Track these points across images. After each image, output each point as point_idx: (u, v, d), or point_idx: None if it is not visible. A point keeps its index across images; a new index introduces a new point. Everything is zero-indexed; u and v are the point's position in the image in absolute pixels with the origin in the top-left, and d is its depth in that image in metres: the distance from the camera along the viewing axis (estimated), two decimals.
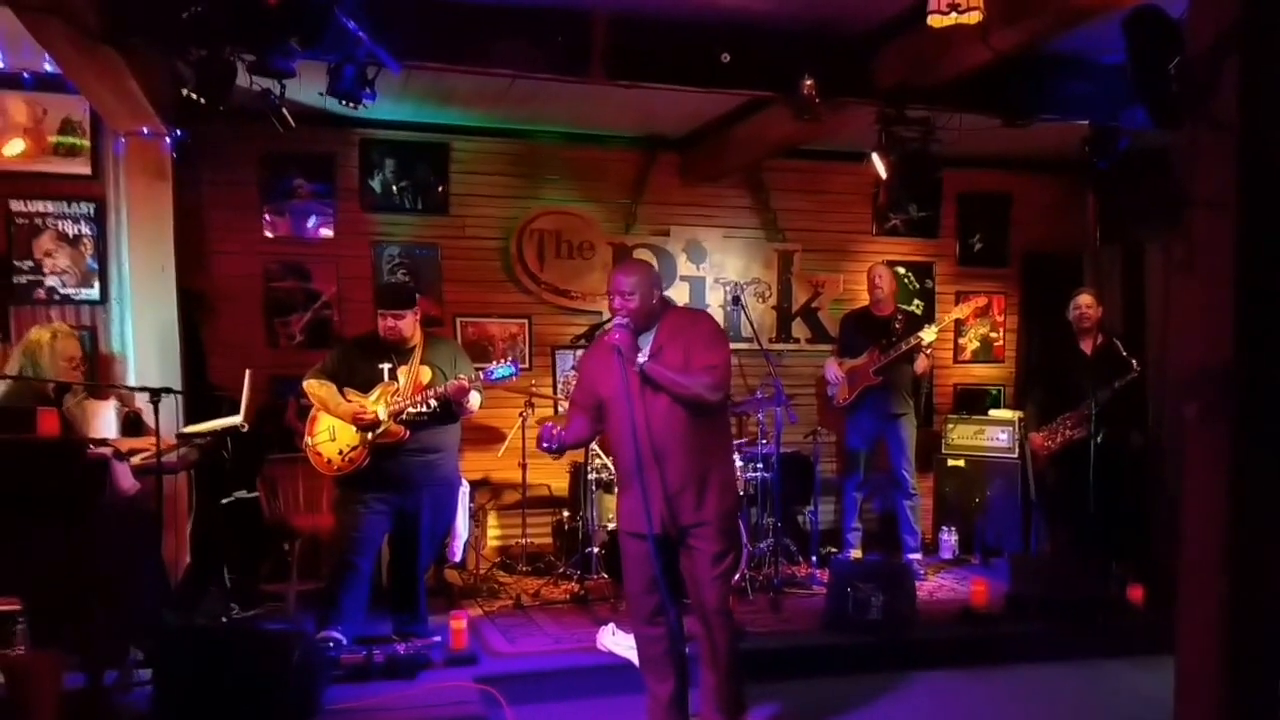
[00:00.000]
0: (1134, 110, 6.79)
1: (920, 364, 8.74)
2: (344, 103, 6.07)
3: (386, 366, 6.78)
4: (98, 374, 7.24)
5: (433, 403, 6.67)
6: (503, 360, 6.84)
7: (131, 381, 7.28)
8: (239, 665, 5.49)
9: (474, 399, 6.80)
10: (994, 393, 10.64)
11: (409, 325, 6.75)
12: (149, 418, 6.78)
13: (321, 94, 6.01)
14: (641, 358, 5.11)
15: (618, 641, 6.68)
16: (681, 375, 5.12)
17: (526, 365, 8.85)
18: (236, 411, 6.85)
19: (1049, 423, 8.36)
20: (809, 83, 6.47)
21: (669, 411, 5.14)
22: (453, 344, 7.40)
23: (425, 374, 6.74)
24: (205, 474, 7.42)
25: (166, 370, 7.36)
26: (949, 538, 9.33)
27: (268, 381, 8.34)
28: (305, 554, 7.71)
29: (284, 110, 6.23)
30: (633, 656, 6.23)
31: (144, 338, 7.46)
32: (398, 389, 6.69)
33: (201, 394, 7.58)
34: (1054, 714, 6.42)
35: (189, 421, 7.02)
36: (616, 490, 5.82)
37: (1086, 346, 8.30)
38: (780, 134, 8.15)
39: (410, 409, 6.64)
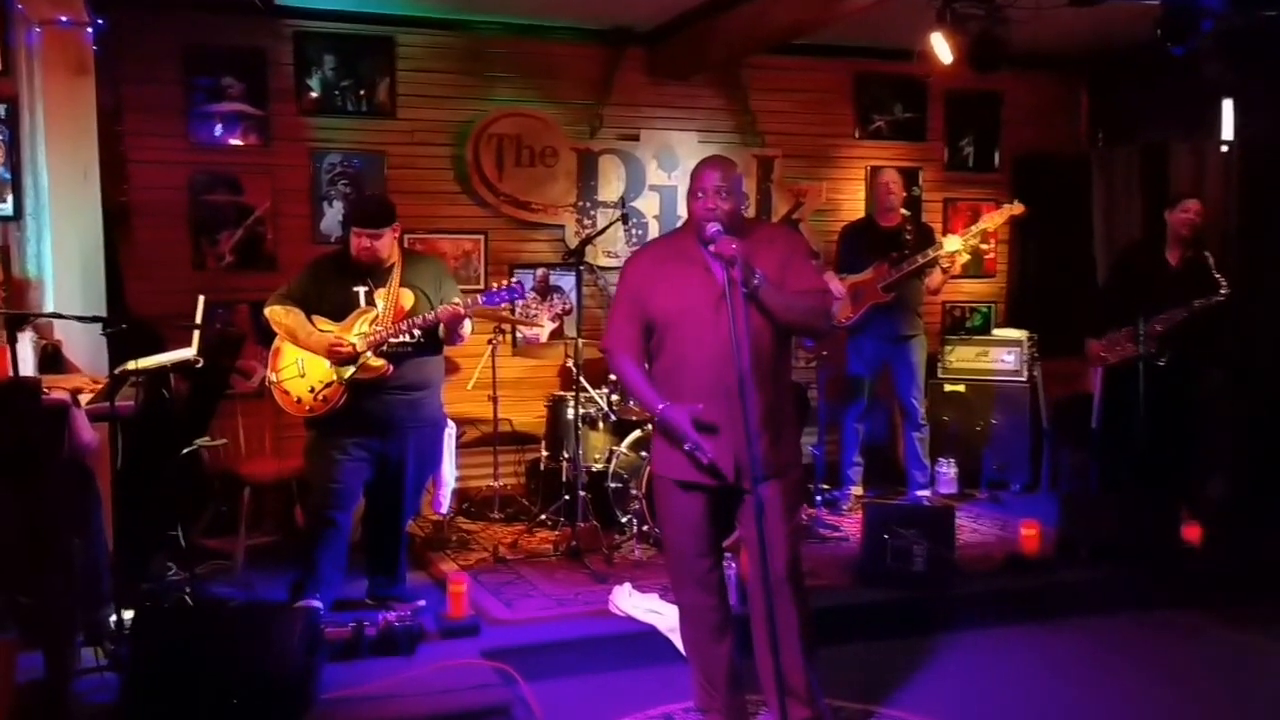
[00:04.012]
0: None
1: (936, 279, 7.85)
2: None
3: (362, 290, 5.84)
4: (12, 300, 6.16)
5: (416, 332, 5.75)
6: (500, 283, 5.89)
7: (49, 308, 6.21)
8: (227, 650, 4.65)
9: (466, 327, 5.89)
10: (984, 310, 9.89)
11: (386, 245, 5.81)
12: (69, 352, 5.92)
13: None
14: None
15: (635, 604, 5.86)
16: (794, 298, 4.36)
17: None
18: (162, 344, 5.87)
19: (1112, 331, 7.57)
20: None
21: (758, 337, 4.30)
22: (435, 261, 6.39)
23: (407, 298, 5.80)
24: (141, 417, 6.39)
25: (90, 295, 6.33)
26: (948, 470, 8.56)
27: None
28: (249, 506, 6.86)
29: None
30: (655, 621, 5.65)
31: (64, 258, 6.36)
32: (376, 316, 5.75)
33: (135, 324, 6.53)
34: (1150, 676, 5.70)
35: (114, 356, 5.94)
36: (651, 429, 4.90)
37: (1173, 257, 7.47)
38: (782, 21, 7.35)
39: (392, 339, 5.70)
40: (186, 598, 5.89)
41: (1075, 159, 9.59)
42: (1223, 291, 7.22)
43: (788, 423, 4.56)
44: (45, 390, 4.86)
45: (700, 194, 4.35)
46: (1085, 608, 6.44)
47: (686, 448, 4.29)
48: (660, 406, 4.34)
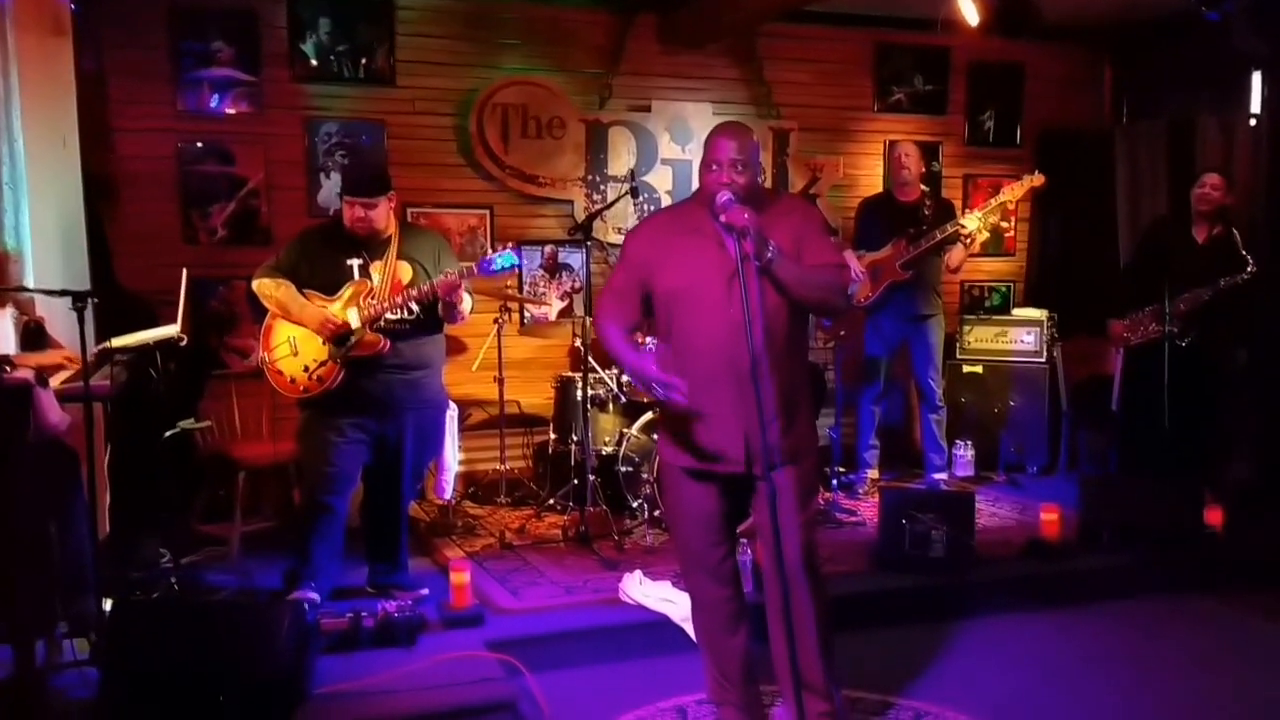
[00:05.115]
0: None
1: (956, 256, 7.60)
2: None
3: (356, 262, 5.56)
4: None
5: (414, 306, 5.49)
6: (500, 249, 5.60)
7: (29, 283, 5.91)
8: (212, 642, 4.39)
9: (466, 303, 5.62)
10: (1003, 290, 9.60)
11: (381, 215, 5.54)
12: (52, 329, 5.56)
13: None
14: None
15: (647, 592, 5.63)
16: (810, 272, 4.09)
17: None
18: (154, 320, 5.68)
19: (1136, 311, 7.36)
20: None
21: (772, 315, 4.04)
22: (434, 234, 6.13)
23: (404, 271, 5.55)
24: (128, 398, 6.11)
25: (71, 269, 6.04)
26: (965, 453, 8.35)
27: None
28: (245, 490, 6.61)
29: None
30: (667, 609, 5.43)
31: (42, 229, 6.00)
32: (371, 289, 5.48)
33: (127, 300, 6.27)
34: (1172, 663, 5.51)
35: (100, 333, 5.65)
36: (660, 415, 4.68)
37: (1199, 234, 7.24)
38: None
39: (389, 314, 5.44)
40: (174, 586, 5.64)
41: (1099, 134, 9.33)
42: (1249, 270, 7.02)
43: (802, 406, 4.29)
44: (7, 369, 4.59)
45: (714, 166, 4.08)
46: (1106, 593, 6.29)
47: (658, 394, 3.97)
48: (630, 358, 4.05)
